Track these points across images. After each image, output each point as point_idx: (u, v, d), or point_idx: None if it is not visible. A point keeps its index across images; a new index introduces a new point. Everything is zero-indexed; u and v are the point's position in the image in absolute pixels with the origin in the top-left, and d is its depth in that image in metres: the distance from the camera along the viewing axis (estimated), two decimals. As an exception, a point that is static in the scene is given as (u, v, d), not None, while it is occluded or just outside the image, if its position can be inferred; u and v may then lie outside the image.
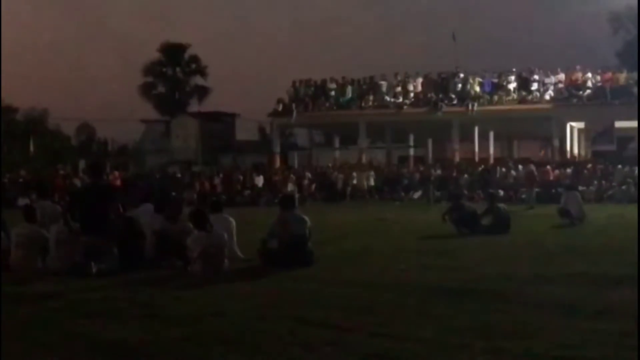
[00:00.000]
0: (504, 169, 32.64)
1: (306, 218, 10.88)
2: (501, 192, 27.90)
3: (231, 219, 11.59)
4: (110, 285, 8.93)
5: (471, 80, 37.39)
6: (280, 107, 39.74)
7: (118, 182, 30.97)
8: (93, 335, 6.32)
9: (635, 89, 34.22)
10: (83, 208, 10.20)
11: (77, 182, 30.40)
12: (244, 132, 60.41)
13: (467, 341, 5.91)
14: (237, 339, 6.11)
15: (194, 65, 63.38)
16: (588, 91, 35.49)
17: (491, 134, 41.15)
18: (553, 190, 28.36)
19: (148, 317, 7.02)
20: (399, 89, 38.24)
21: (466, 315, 6.90)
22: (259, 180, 34.16)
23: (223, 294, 8.29)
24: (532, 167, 30.68)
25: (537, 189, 29.14)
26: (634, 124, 33.49)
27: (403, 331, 6.28)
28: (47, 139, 53.06)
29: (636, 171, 29.95)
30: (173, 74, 63.31)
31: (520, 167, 32.22)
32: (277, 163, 40.10)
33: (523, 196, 28.80)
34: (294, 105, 39.34)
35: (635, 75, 35.17)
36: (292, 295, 8.19)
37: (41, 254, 10.48)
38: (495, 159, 38.95)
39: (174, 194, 29.27)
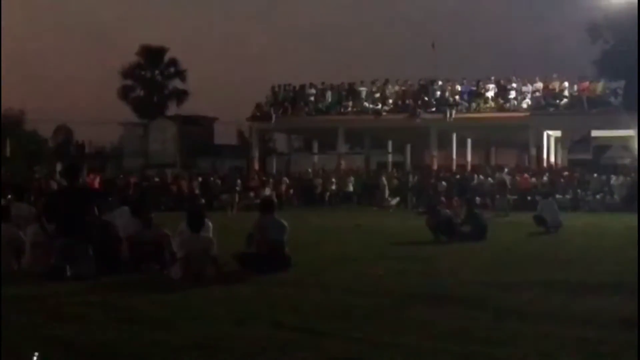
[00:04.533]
0: (481, 176, 32.81)
1: (285, 223, 10.87)
2: (478, 199, 28.03)
3: (209, 223, 11.53)
4: (85, 288, 8.86)
5: (449, 88, 37.58)
6: (259, 112, 39.73)
7: (96, 185, 30.77)
8: (68, 339, 6.25)
9: (612, 98, 34.54)
10: (59, 211, 10.12)
11: (54, 185, 30.13)
12: (223, 137, 60.22)
13: (444, 347, 5.93)
14: (213, 344, 6.08)
15: (172, 69, 63.01)
16: (565, 100, 35.76)
17: (469, 141, 41.35)
18: (529, 198, 28.58)
19: (123, 321, 6.96)
20: (377, 95, 38.36)
21: (443, 321, 6.92)
22: (237, 185, 34.02)
23: (199, 298, 8.26)
24: (504, 175, 30.89)
25: (510, 197, 29.23)
26: (610, 133, 33.87)
27: (380, 336, 6.29)
28: (24, 140, 52.53)
29: (612, 180, 30.26)
30: (152, 77, 62.89)
31: (497, 174, 32.44)
32: (256, 167, 40.05)
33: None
34: (272, 110, 39.34)
35: (611, 84, 35.49)
36: (269, 300, 8.16)
37: (16, 256, 10.39)
38: (472, 166, 39.15)
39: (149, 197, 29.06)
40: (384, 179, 33.92)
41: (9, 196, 21.87)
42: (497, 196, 29.91)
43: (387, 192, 32.68)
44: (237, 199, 30.55)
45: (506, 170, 32.40)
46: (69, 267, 9.57)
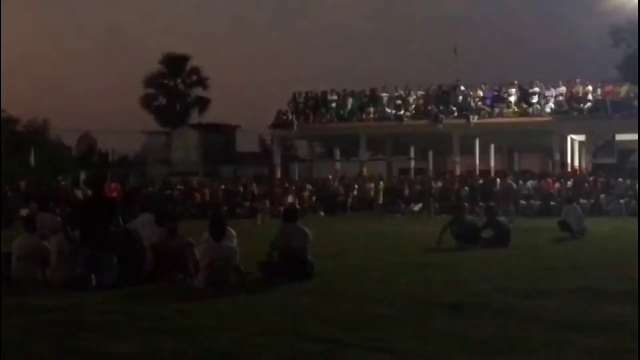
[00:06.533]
0: (509, 180, 32.58)
1: (308, 231, 10.86)
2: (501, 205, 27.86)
3: (232, 231, 11.55)
4: (110, 298, 8.91)
5: (472, 93, 37.49)
6: (281, 119, 39.81)
7: (115, 194, 30.86)
8: (92, 349, 6.29)
9: (636, 102, 34.26)
10: (83, 220, 10.21)
11: (79, 193, 30.30)
12: (245, 144, 60.45)
13: (467, 357, 5.91)
14: (235, 354, 6.10)
15: (195, 77, 63.25)
16: (589, 104, 35.55)
17: (492, 147, 41.16)
18: (553, 203, 28.40)
19: (147, 330, 6.99)
20: (399, 101, 38.32)
21: (466, 330, 6.89)
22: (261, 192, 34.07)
23: (222, 308, 8.27)
24: (510, 180, 31.06)
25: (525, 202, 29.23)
26: (635, 136, 33.49)
27: (403, 346, 6.26)
28: (48, 150, 52.95)
29: (637, 184, 29.97)
30: (174, 85, 63.19)
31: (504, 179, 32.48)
32: (278, 175, 40.11)
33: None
34: (294, 117, 39.41)
35: (635, 88, 35.22)
36: (291, 309, 8.17)
37: (41, 266, 10.48)
38: (495, 171, 38.96)
39: (172, 206, 29.18)
40: (381, 183, 33.89)
41: (34, 205, 22.06)
42: (523, 201, 29.82)
43: (380, 199, 32.77)
44: (265, 206, 30.62)
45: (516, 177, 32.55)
46: (94, 276, 9.64)
